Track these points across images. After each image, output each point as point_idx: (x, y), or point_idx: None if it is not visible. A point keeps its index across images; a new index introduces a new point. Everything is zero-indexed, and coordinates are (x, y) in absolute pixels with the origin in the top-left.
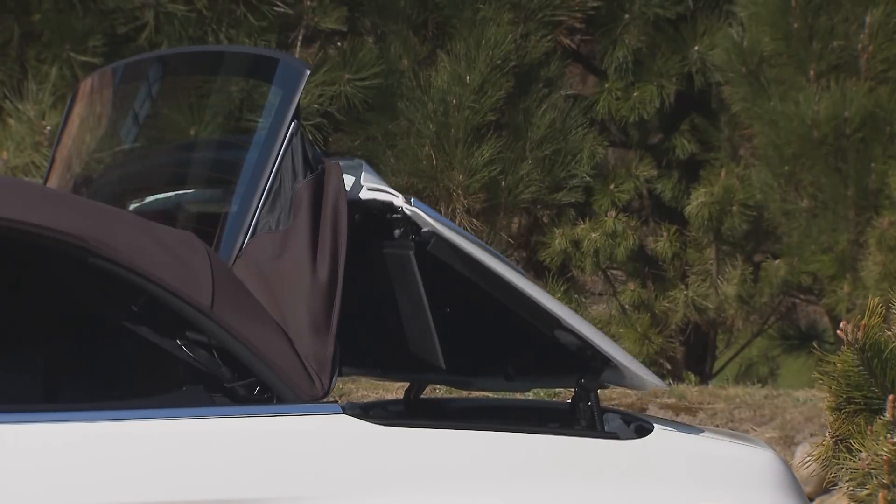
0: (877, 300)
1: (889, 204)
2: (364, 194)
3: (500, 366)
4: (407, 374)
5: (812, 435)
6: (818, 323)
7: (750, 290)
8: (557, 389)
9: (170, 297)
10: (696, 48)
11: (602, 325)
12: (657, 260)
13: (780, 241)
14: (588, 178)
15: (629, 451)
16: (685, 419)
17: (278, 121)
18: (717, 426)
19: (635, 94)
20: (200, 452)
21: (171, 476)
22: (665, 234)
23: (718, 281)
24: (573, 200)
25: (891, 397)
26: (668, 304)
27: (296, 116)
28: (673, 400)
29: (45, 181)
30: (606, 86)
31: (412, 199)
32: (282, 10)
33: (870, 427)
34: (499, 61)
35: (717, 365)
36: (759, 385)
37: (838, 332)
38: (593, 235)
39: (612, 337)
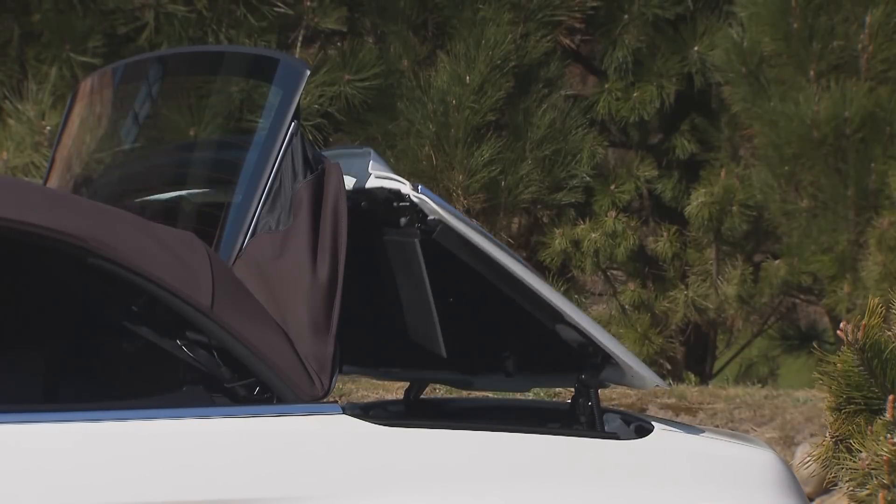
0: (877, 300)
1: (889, 204)
2: (371, 182)
3: (501, 362)
4: (408, 370)
5: (812, 435)
6: (818, 323)
7: (750, 291)
8: (557, 389)
9: (170, 297)
10: (695, 48)
11: (602, 325)
12: (657, 260)
13: (780, 241)
14: (588, 179)
15: (629, 451)
16: (685, 419)
17: (278, 121)
18: (717, 426)
19: (635, 94)
20: (201, 452)
21: (170, 476)
22: (665, 234)
23: (718, 281)
24: (573, 200)
25: (891, 397)
26: (668, 305)
27: (296, 117)
28: (673, 400)
29: (45, 181)
30: (606, 86)
31: (419, 187)
32: (282, 10)
33: (870, 427)
34: (498, 61)
35: (717, 365)
36: (759, 385)
37: (838, 332)
38: (593, 235)
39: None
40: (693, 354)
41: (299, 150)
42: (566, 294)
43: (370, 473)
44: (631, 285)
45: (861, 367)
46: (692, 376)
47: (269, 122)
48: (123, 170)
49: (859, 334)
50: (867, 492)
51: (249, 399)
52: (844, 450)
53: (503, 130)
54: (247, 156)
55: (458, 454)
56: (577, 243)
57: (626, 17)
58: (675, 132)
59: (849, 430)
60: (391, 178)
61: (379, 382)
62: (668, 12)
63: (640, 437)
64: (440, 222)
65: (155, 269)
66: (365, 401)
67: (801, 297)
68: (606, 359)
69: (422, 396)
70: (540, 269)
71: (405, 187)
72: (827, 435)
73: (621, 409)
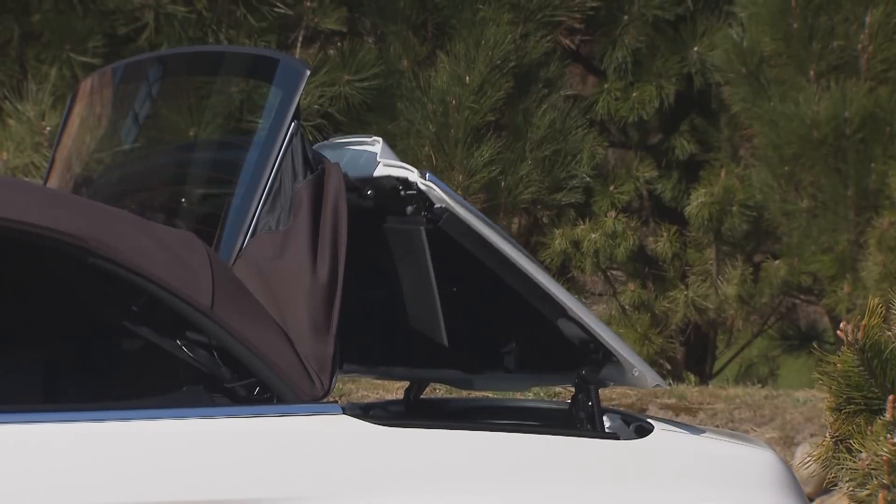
0: (877, 300)
1: (889, 204)
2: (380, 170)
3: (501, 359)
4: (408, 367)
5: (812, 435)
6: (818, 323)
7: (750, 291)
8: (557, 389)
9: (170, 297)
10: (695, 49)
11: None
12: (657, 260)
13: (780, 241)
14: (588, 179)
15: (629, 451)
16: (685, 419)
17: (278, 121)
18: (717, 426)
19: (635, 94)
20: (201, 452)
21: (170, 476)
22: (665, 234)
23: (718, 281)
24: (573, 201)
25: (891, 397)
26: (668, 305)
27: (296, 117)
28: (673, 400)
29: (45, 181)
30: (606, 86)
31: (427, 174)
32: (282, 10)
33: (870, 427)
34: (498, 62)
35: (717, 365)
36: (759, 385)
37: (838, 332)
38: (593, 236)
39: None
40: (693, 354)
41: (299, 150)
42: None
43: (370, 473)
44: (631, 285)
45: (861, 368)
46: (692, 376)
47: (269, 123)
48: (123, 170)
49: (859, 334)
50: (867, 492)
51: (249, 399)
52: (844, 450)
53: (503, 131)
54: (247, 156)
55: (458, 454)
56: (577, 244)
57: (625, 17)
58: (675, 132)
59: (849, 430)
60: (399, 166)
61: (379, 382)
62: (667, 13)
63: (640, 438)
64: (446, 210)
65: (155, 269)
66: (365, 401)
67: (801, 297)
68: (607, 356)
69: (422, 396)
70: None
71: (413, 175)
72: (827, 435)
73: (621, 409)
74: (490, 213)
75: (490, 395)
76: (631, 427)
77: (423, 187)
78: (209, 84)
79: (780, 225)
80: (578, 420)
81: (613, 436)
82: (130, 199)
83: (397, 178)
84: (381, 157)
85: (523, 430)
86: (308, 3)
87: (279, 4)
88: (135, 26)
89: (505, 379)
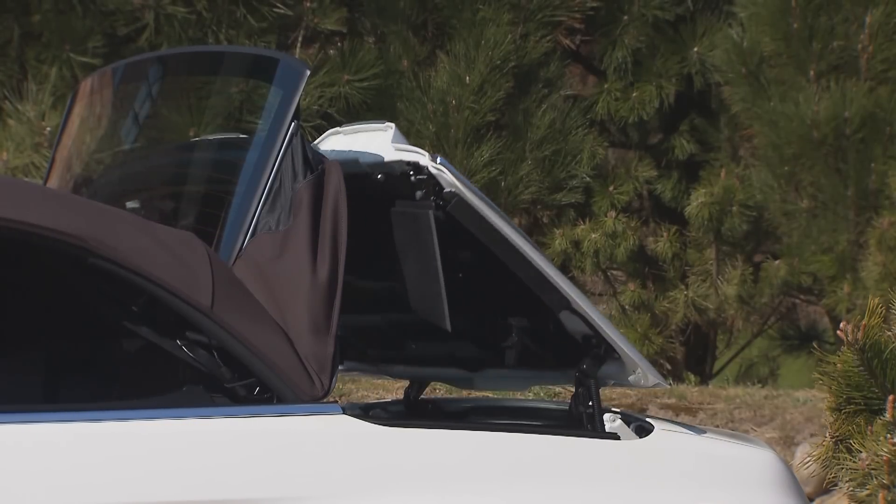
0: (877, 300)
1: (889, 204)
2: (391, 154)
3: (502, 355)
4: (410, 363)
5: (812, 435)
6: (818, 323)
7: (750, 291)
8: (557, 389)
9: (170, 297)
10: (695, 49)
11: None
12: (657, 260)
13: (780, 241)
14: (588, 179)
15: (629, 451)
16: (685, 419)
17: (278, 121)
18: (718, 426)
19: (635, 94)
20: (201, 452)
21: (170, 476)
22: (665, 234)
23: (718, 281)
24: (573, 201)
25: (891, 398)
26: (668, 305)
27: (296, 117)
28: (673, 400)
29: (45, 181)
30: (606, 86)
31: (438, 158)
32: (281, 11)
33: (870, 427)
34: (498, 62)
35: (717, 365)
36: (759, 385)
37: (838, 332)
38: (593, 236)
39: None
40: (693, 354)
41: (299, 150)
42: None
43: (370, 473)
44: (631, 285)
45: (861, 368)
46: (692, 376)
47: (269, 123)
48: (123, 170)
49: (859, 334)
50: (867, 492)
51: (249, 399)
52: (844, 450)
53: (503, 131)
54: (247, 156)
55: (458, 454)
56: (577, 244)
57: (625, 17)
58: (675, 132)
59: (849, 430)
60: (410, 150)
61: (379, 382)
62: (667, 13)
63: (641, 438)
64: (456, 195)
65: (155, 269)
66: (365, 401)
67: (801, 297)
68: (609, 352)
69: (422, 396)
70: None
71: (424, 158)
72: (827, 435)
73: (621, 409)
74: None
75: (490, 394)
76: (631, 427)
77: (433, 171)
78: (209, 84)
79: (780, 225)
80: (579, 415)
81: (613, 436)
82: (130, 199)
83: (408, 163)
84: (393, 142)
85: (523, 430)
86: (308, 3)
87: (279, 4)
88: (135, 26)
89: (505, 378)
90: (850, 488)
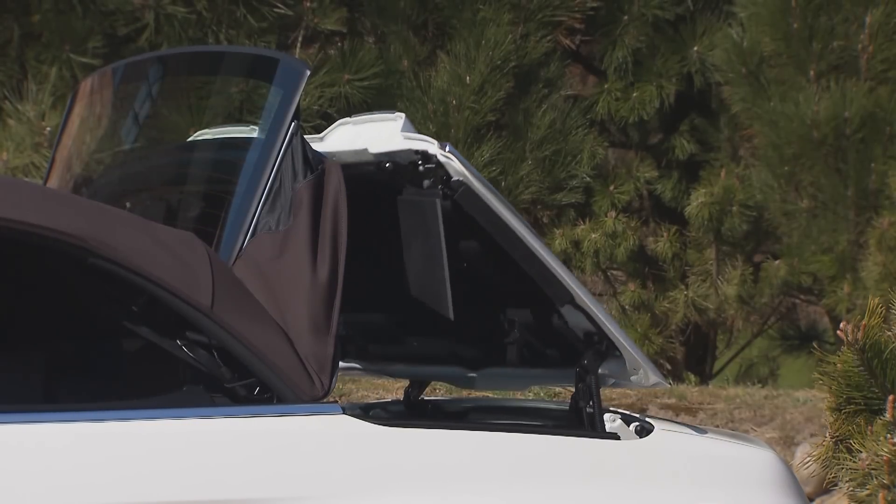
0: (877, 300)
1: (889, 204)
2: (400, 143)
3: (504, 350)
4: (411, 360)
5: (812, 435)
6: (818, 323)
7: (750, 291)
8: (557, 389)
9: (170, 297)
10: (695, 49)
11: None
12: (657, 260)
13: (780, 241)
14: (588, 179)
15: (629, 451)
16: (685, 419)
17: (278, 121)
18: (718, 426)
19: (635, 94)
20: (201, 452)
21: (170, 476)
22: (665, 234)
23: (718, 281)
24: (573, 201)
25: (891, 397)
26: (668, 305)
27: (296, 117)
28: (673, 400)
29: (45, 181)
30: (606, 86)
31: (447, 146)
32: (282, 11)
33: (870, 427)
34: (499, 62)
35: (717, 365)
36: (759, 385)
37: (838, 332)
38: (593, 236)
39: None
40: (693, 354)
41: (299, 150)
42: None
43: (370, 473)
44: (631, 286)
45: (861, 367)
46: (692, 376)
47: (269, 123)
48: (123, 170)
49: (859, 334)
50: (867, 492)
51: (249, 399)
52: (844, 450)
53: (503, 131)
54: (247, 156)
55: (458, 454)
56: (577, 244)
57: (625, 17)
58: (675, 132)
59: (849, 430)
60: (419, 139)
61: (379, 382)
62: (667, 13)
63: (641, 438)
64: (463, 183)
65: (155, 269)
66: (365, 401)
67: (801, 297)
68: (611, 349)
69: (422, 396)
70: None
71: (433, 147)
72: (827, 435)
73: (621, 409)
74: None
75: (490, 394)
76: (631, 427)
77: (442, 159)
78: (209, 84)
79: (780, 225)
80: (579, 415)
81: (614, 436)
82: (130, 199)
83: (417, 152)
84: (402, 131)
85: (523, 430)
86: (308, 3)
87: (279, 4)
88: (135, 26)
89: (506, 377)
90: (850, 488)
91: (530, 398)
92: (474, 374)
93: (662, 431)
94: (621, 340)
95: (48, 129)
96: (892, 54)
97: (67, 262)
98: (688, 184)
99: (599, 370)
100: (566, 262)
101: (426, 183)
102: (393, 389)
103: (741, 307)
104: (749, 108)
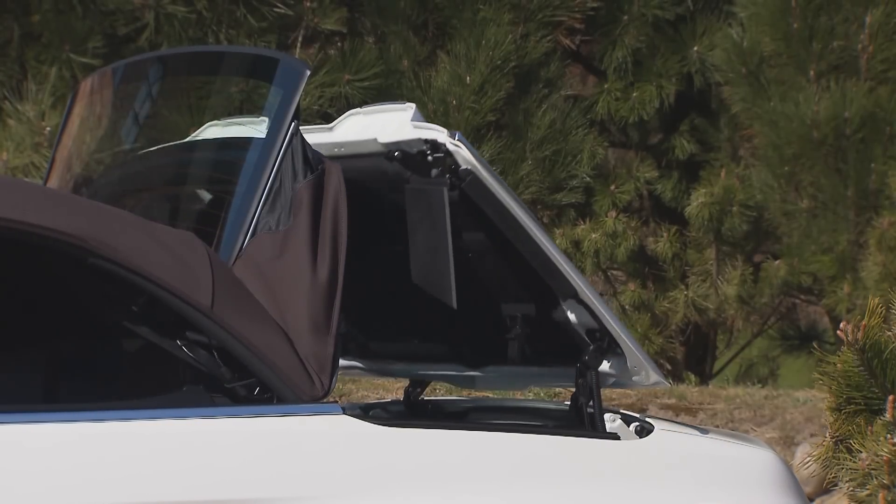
0: (877, 300)
1: (889, 204)
2: (410, 132)
3: (505, 346)
4: (412, 357)
5: (812, 435)
6: (818, 323)
7: (750, 291)
8: (558, 389)
9: (170, 297)
10: (695, 49)
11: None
12: (657, 260)
13: (781, 241)
14: (588, 179)
15: (630, 451)
16: (685, 419)
17: (278, 121)
18: (718, 426)
19: (635, 94)
20: (200, 453)
21: (170, 476)
22: (665, 234)
23: (718, 281)
24: (573, 201)
25: (891, 398)
26: (668, 305)
27: (296, 117)
28: (673, 400)
29: (45, 181)
30: (606, 86)
31: (457, 135)
32: (282, 11)
33: (870, 427)
34: (499, 62)
35: (718, 365)
36: (759, 385)
37: (838, 332)
38: (594, 236)
39: None
40: (693, 354)
41: (299, 150)
42: None
43: (370, 473)
44: (631, 285)
45: (861, 368)
46: (692, 376)
47: (269, 123)
48: (123, 170)
49: (859, 334)
50: (867, 492)
51: (249, 399)
52: (844, 450)
53: (503, 131)
54: (247, 156)
55: (458, 454)
56: (577, 243)
57: (625, 17)
58: (675, 132)
59: (849, 430)
60: (429, 128)
61: (379, 382)
62: (667, 13)
63: (641, 438)
64: (471, 172)
65: (155, 269)
66: (365, 401)
67: (801, 297)
68: (612, 346)
69: (422, 396)
70: None
71: (442, 135)
72: (827, 435)
73: (621, 409)
74: None
75: (490, 394)
76: (631, 427)
77: (451, 147)
78: (209, 84)
79: (780, 225)
80: (579, 415)
81: (614, 436)
82: (130, 199)
83: (426, 141)
84: (412, 121)
85: (523, 430)
86: (308, 3)
87: (279, 4)
88: (135, 26)
89: (507, 376)
90: (850, 488)
91: (530, 398)
92: (475, 373)
93: (662, 431)
94: (623, 337)
95: (48, 129)
96: (892, 54)
97: (67, 262)
98: (688, 184)
99: (600, 367)
100: None
101: (434, 172)
102: (393, 389)
103: (741, 307)
104: (749, 108)
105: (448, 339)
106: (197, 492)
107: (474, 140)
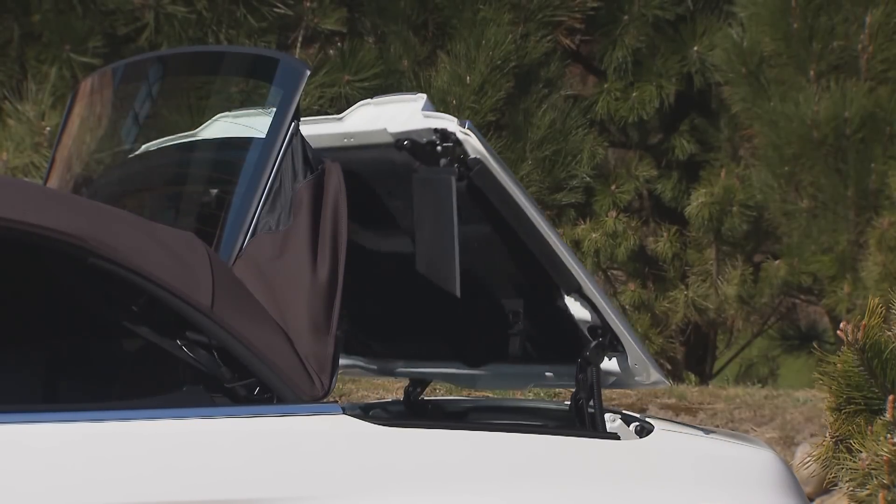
0: (877, 300)
1: (889, 204)
2: (420, 121)
3: (506, 342)
4: (411, 360)
5: (812, 435)
6: (818, 323)
7: (750, 291)
8: (557, 389)
9: (170, 297)
10: (695, 48)
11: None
12: (657, 260)
13: (781, 241)
14: (588, 179)
15: (630, 451)
16: (685, 419)
17: (278, 121)
18: (718, 426)
19: (635, 94)
20: (200, 453)
21: (170, 476)
22: (665, 234)
23: (718, 281)
24: (573, 201)
25: (891, 397)
26: (668, 305)
27: (296, 117)
28: (673, 400)
29: (45, 181)
30: (606, 86)
31: (467, 123)
32: (282, 11)
33: (870, 427)
34: (499, 62)
35: (718, 365)
36: (759, 385)
37: (838, 332)
38: (594, 236)
39: None
40: (693, 354)
41: (299, 150)
42: None
43: (370, 473)
44: (631, 285)
45: (861, 368)
46: (692, 376)
47: (269, 123)
48: (123, 170)
49: (859, 334)
50: (867, 492)
51: (249, 399)
52: (844, 450)
53: (503, 131)
54: (247, 156)
55: (458, 454)
56: (577, 243)
57: (625, 17)
58: (675, 132)
59: (849, 430)
60: (439, 117)
61: (379, 382)
62: (667, 13)
63: (641, 438)
64: (480, 162)
65: (155, 269)
66: (365, 401)
67: (801, 297)
68: (614, 343)
69: (422, 396)
70: None
71: (452, 124)
72: (827, 435)
73: (621, 409)
74: None
75: (490, 394)
76: (631, 427)
77: (461, 136)
78: (209, 84)
79: (780, 225)
80: (580, 415)
81: (614, 436)
82: (130, 199)
83: (436, 130)
84: (422, 110)
85: (523, 430)
86: (308, 3)
87: (279, 4)
88: (135, 26)
89: (508, 375)
90: (850, 488)
91: (530, 398)
92: (476, 372)
93: (662, 431)
94: (625, 333)
95: (48, 129)
96: (892, 54)
97: (67, 262)
98: (688, 184)
99: (601, 364)
100: None
101: (443, 162)
102: (393, 389)
103: (741, 307)
104: (749, 108)
105: (449, 337)
106: (197, 492)
107: None
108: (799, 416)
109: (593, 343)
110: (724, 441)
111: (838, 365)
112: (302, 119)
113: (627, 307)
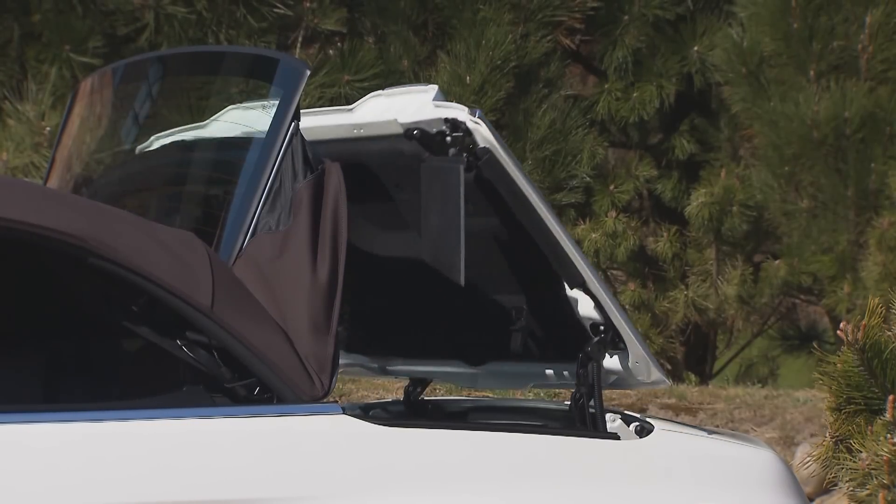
0: (877, 300)
1: (889, 204)
2: (430, 111)
3: (508, 339)
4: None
5: (812, 435)
6: (818, 323)
7: (750, 291)
8: (557, 390)
9: (170, 297)
10: (695, 48)
11: None
12: (657, 260)
13: (781, 241)
14: (588, 179)
15: (630, 451)
16: (685, 419)
17: (278, 121)
18: (717, 426)
19: (635, 94)
20: (201, 453)
21: (170, 476)
22: (665, 234)
23: (718, 281)
24: (573, 201)
25: (891, 398)
26: (668, 305)
27: (296, 117)
28: (673, 400)
29: (45, 181)
30: (606, 86)
31: (477, 112)
32: (281, 11)
33: (870, 427)
34: (499, 62)
35: (718, 365)
36: (759, 385)
37: (838, 332)
38: (594, 236)
39: None
40: (693, 354)
41: (299, 150)
42: None
43: (370, 473)
44: (631, 285)
45: (861, 367)
46: (692, 376)
47: (269, 122)
48: (124, 170)
49: (859, 334)
50: (867, 492)
51: (249, 399)
52: (844, 450)
53: (503, 131)
54: (247, 156)
55: (458, 454)
56: (577, 243)
57: (626, 17)
58: (675, 132)
59: (849, 430)
60: (449, 106)
61: (379, 382)
62: (668, 12)
63: (641, 438)
64: (489, 151)
65: (155, 269)
66: (365, 401)
67: (801, 297)
68: (615, 340)
69: (422, 396)
70: None
71: (462, 113)
72: (827, 435)
73: (621, 409)
74: None
75: (490, 394)
76: (631, 427)
77: (471, 125)
78: (209, 84)
79: (780, 225)
80: (580, 415)
81: (614, 436)
82: (130, 199)
83: (446, 120)
84: (433, 101)
85: (523, 430)
86: (308, 4)
87: (279, 5)
88: (135, 26)
89: (508, 375)
90: (850, 488)
91: (530, 398)
92: (477, 371)
93: (662, 431)
94: (627, 330)
95: (48, 129)
96: (892, 54)
97: (67, 262)
98: (688, 184)
99: (602, 362)
100: None
101: (452, 151)
102: (393, 389)
103: (741, 307)
104: (749, 108)
105: (451, 334)
106: (197, 492)
107: None
108: (799, 416)
109: (595, 339)
110: (724, 441)
111: (838, 365)
112: (312, 110)
113: (627, 307)
